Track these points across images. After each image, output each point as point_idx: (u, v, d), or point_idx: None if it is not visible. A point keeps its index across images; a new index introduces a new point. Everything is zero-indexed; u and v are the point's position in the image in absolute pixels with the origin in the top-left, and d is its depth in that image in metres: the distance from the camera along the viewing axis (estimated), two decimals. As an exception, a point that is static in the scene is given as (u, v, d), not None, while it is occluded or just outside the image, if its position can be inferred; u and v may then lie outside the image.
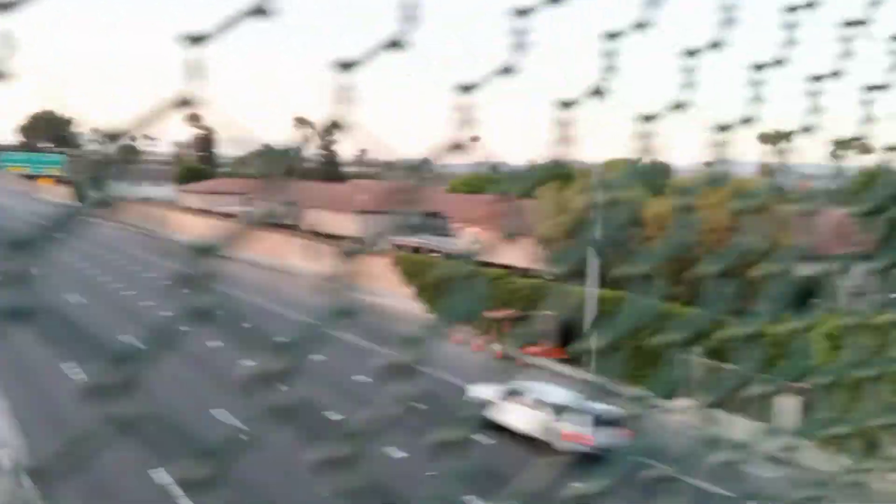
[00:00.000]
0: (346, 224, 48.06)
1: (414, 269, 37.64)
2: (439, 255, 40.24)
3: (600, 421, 18.45)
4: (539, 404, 19.49)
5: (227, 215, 51.81)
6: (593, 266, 27.87)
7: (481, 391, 20.06)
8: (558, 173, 33.96)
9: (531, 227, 33.48)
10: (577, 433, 18.59)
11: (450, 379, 22.64)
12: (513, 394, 19.54)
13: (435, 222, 45.96)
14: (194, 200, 70.39)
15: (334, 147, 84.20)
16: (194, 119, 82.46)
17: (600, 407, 18.82)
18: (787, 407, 18.97)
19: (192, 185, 75.74)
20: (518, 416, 19.64)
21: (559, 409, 19.15)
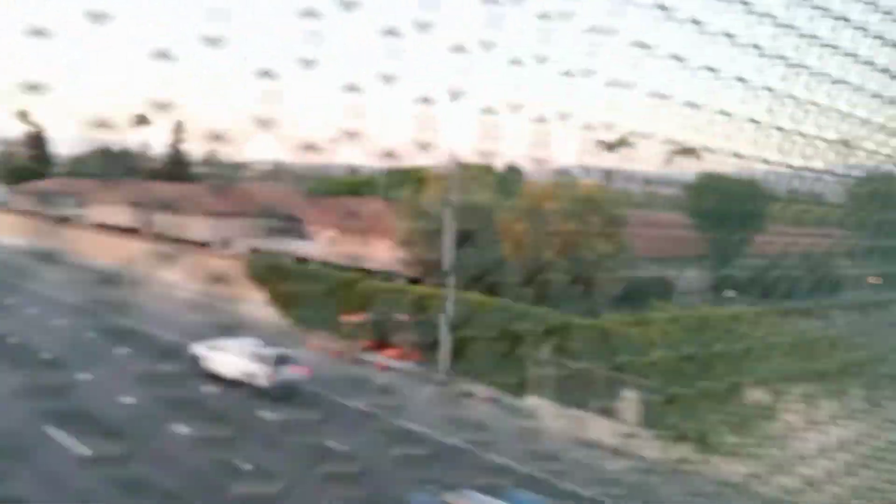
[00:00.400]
0: (196, 228, 46.17)
1: (267, 274, 36.71)
2: (294, 259, 39.47)
3: (280, 361, 24.20)
4: (239, 353, 24.71)
5: (62, 218, 48.45)
6: (450, 268, 28.29)
7: (199, 348, 25.53)
8: (416, 177, 34.24)
9: (389, 229, 33.56)
10: (264, 372, 23.96)
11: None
12: (220, 348, 25.07)
13: (291, 225, 45.05)
14: (26, 202, 65.33)
15: (182, 146, 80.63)
16: (24, 116, 76.70)
17: (280, 350, 24.64)
18: (629, 400, 20.03)
19: (25, 186, 70.26)
20: (225, 364, 24.95)
21: (252, 356, 24.33)
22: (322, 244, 39.92)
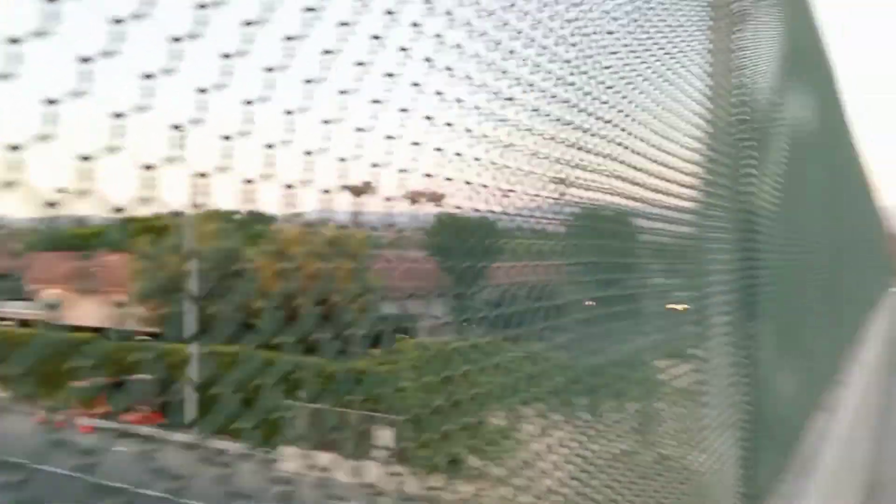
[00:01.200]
0: None
1: (-22, 340, 32.48)
2: (11, 322, 35.44)
3: None
4: None
5: None
6: (192, 322, 27.03)
7: None
8: (152, 226, 32.38)
9: (123, 283, 31.38)
10: None
11: None
12: None
13: (6, 285, 40.50)
14: None
15: None
16: None
17: None
18: (383, 438, 20.31)
19: None
20: None
21: None
22: (45, 304, 36.27)
